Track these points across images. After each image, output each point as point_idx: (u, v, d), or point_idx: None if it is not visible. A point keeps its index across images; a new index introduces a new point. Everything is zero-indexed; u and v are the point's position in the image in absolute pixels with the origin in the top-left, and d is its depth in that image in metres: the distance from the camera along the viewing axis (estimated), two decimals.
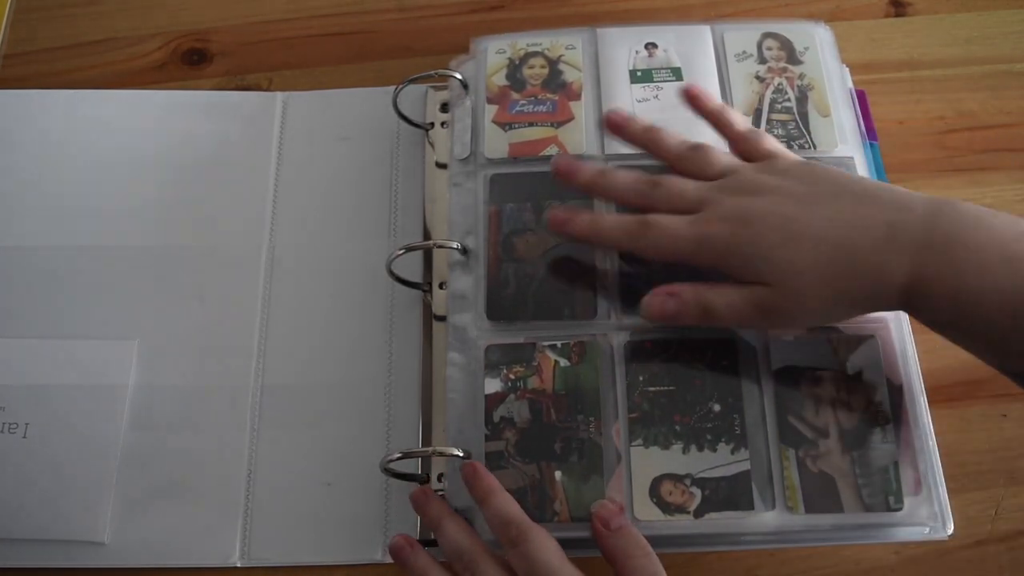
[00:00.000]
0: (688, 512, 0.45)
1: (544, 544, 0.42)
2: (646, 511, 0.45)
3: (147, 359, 0.54)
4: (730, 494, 0.45)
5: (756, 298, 0.44)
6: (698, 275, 0.46)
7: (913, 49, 0.63)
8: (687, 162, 0.49)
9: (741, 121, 0.51)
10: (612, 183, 0.49)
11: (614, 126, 0.52)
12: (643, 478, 0.46)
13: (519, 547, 0.42)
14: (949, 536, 0.46)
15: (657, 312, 0.46)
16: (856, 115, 0.56)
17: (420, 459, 0.51)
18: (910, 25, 0.64)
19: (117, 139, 0.61)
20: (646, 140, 0.51)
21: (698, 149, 0.49)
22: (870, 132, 0.56)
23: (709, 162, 0.48)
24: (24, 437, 0.52)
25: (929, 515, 0.45)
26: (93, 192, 0.59)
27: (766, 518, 0.45)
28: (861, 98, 0.57)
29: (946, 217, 0.42)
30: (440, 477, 0.50)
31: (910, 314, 0.46)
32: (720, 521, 0.45)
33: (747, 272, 0.44)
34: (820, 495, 0.45)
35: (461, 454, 0.47)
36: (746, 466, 0.46)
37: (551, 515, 0.45)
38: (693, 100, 0.52)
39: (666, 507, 0.45)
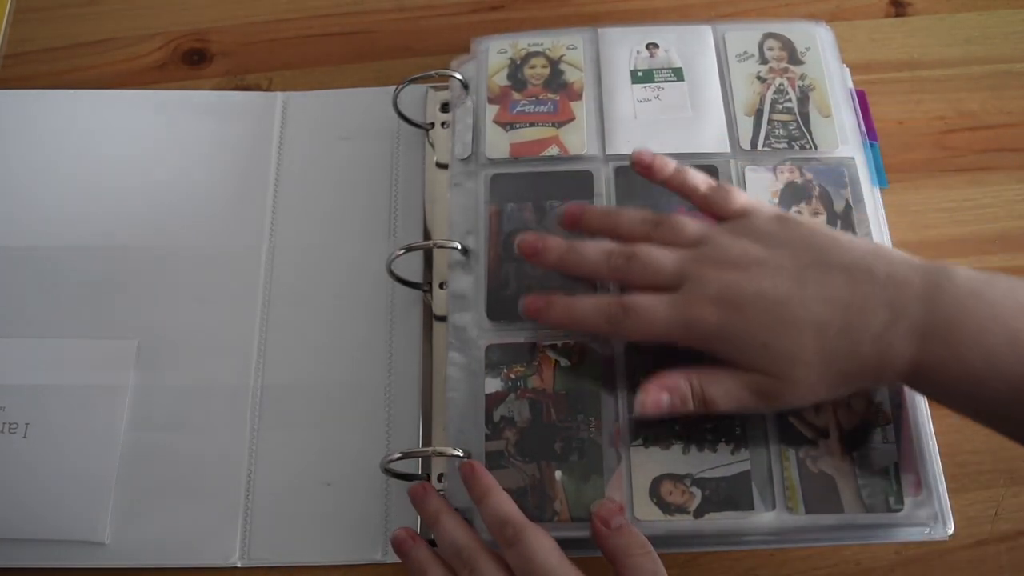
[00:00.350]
0: (688, 512, 0.45)
1: (541, 543, 0.42)
2: (646, 511, 0.45)
3: (147, 359, 0.54)
4: (730, 494, 0.45)
5: (755, 385, 0.43)
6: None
7: (913, 49, 0.63)
8: (656, 235, 0.47)
9: (703, 180, 0.49)
10: (583, 259, 0.47)
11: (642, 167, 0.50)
12: (643, 478, 0.46)
13: (515, 547, 0.42)
14: (949, 536, 0.46)
15: (652, 409, 0.44)
16: (856, 115, 0.56)
17: (420, 459, 0.51)
18: (910, 25, 0.64)
19: (117, 139, 0.61)
20: (604, 223, 0.49)
21: (662, 222, 0.47)
22: (870, 132, 0.56)
23: (679, 230, 0.46)
24: (24, 437, 0.52)
25: (929, 515, 0.45)
26: (93, 192, 0.59)
27: (766, 518, 0.45)
28: (861, 98, 0.57)
29: (945, 295, 0.41)
30: (440, 477, 0.50)
31: (914, 389, 0.45)
32: (720, 521, 0.45)
33: (742, 360, 0.43)
34: (820, 495, 0.45)
35: (461, 454, 0.47)
36: (746, 466, 0.46)
37: (551, 515, 0.45)
38: (646, 171, 0.49)
39: (666, 507, 0.45)
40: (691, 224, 0.47)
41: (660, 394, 0.44)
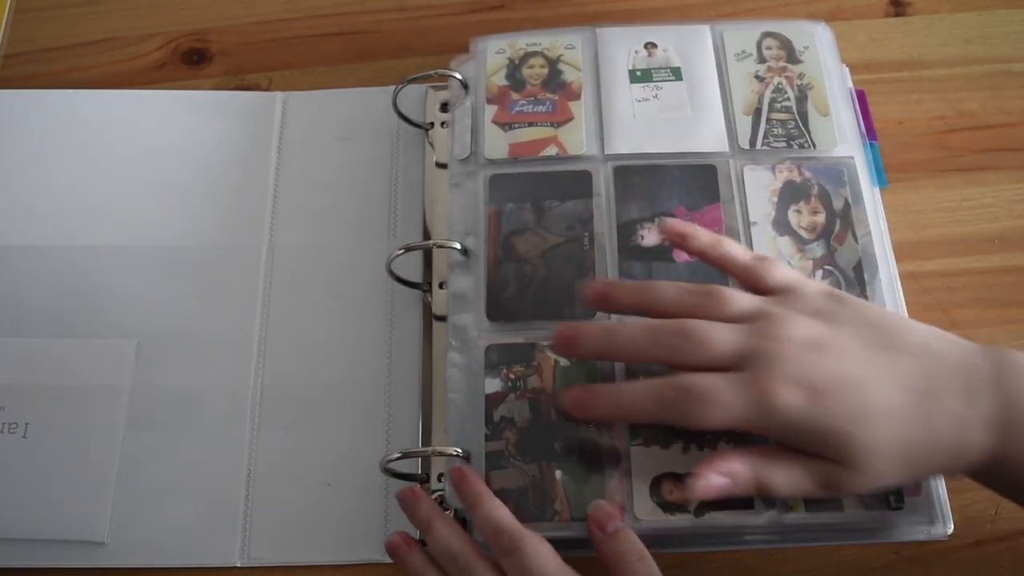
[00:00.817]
0: (689, 511, 0.45)
1: (538, 551, 0.41)
2: (647, 510, 0.45)
3: (147, 359, 0.54)
4: None
5: (824, 475, 0.41)
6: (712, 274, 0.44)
7: (913, 49, 0.63)
8: (702, 309, 0.43)
9: (741, 251, 0.46)
10: (625, 341, 0.43)
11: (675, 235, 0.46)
12: (644, 477, 0.46)
13: (513, 556, 0.41)
14: (949, 536, 0.46)
15: (703, 494, 0.41)
16: (856, 115, 0.56)
17: (420, 459, 0.50)
18: (910, 25, 0.64)
19: (117, 139, 0.61)
20: (638, 299, 0.45)
21: (709, 293, 0.43)
22: (870, 132, 0.56)
23: (730, 303, 0.43)
24: (24, 437, 0.52)
25: (929, 515, 0.45)
26: (93, 192, 0.59)
27: (766, 518, 0.45)
28: (861, 98, 0.57)
29: (1013, 381, 0.40)
30: (440, 477, 0.50)
31: (979, 482, 0.43)
32: (720, 520, 0.45)
33: (817, 448, 0.40)
34: None
35: (461, 454, 0.47)
36: None
37: (551, 515, 0.45)
38: (679, 240, 0.46)
39: (667, 506, 0.45)
40: (742, 297, 0.43)
41: (716, 479, 0.41)
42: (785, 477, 0.41)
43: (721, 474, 0.41)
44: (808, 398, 0.39)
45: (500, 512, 0.43)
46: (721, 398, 0.40)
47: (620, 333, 0.44)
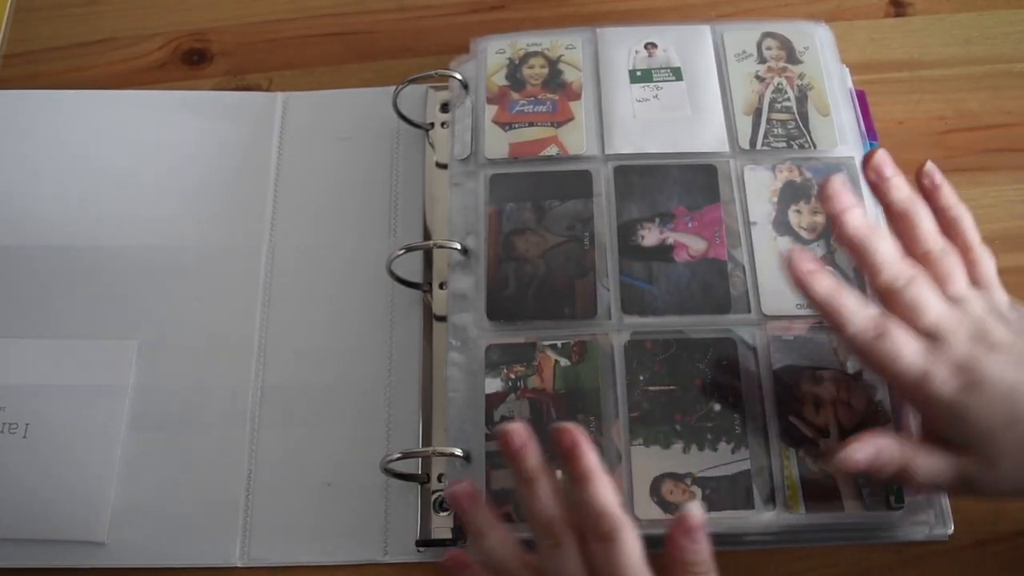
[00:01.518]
0: None
1: (634, 547, 0.39)
2: (647, 510, 0.45)
3: (147, 359, 0.54)
4: (730, 493, 0.45)
5: (967, 471, 0.41)
6: None
7: (913, 49, 0.63)
8: (935, 267, 0.44)
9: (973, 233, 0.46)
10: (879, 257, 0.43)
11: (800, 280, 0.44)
12: (644, 477, 0.46)
13: (609, 543, 0.39)
14: (949, 536, 0.46)
15: (847, 464, 0.42)
16: (856, 115, 0.56)
17: (420, 459, 0.50)
18: (910, 25, 0.64)
19: (117, 139, 0.61)
20: (827, 302, 0.43)
21: (948, 253, 0.44)
22: (870, 132, 0.56)
23: (954, 275, 0.44)
24: (24, 437, 0.52)
25: (929, 515, 0.45)
26: (93, 192, 0.59)
27: (766, 517, 0.45)
28: (861, 98, 0.57)
29: None
30: (440, 477, 0.50)
31: None
32: (721, 520, 0.45)
33: (956, 436, 0.41)
34: (820, 495, 0.45)
35: (461, 454, 0.47)
36: (746, 465, 0.46)
37: None
38: (798, 281, 0.43)
39: (667, 506, 0.45)
40: (962, 275, 0.44)
41: (864, 450, 0.41)
42: (928, 463, 0.41)
43: (869, 447, 0.41)
44: (962, 386, 0.40)
45: (608, 496, 0.41)
46: (901, 350, 0.41)
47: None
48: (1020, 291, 0.55)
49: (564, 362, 0.49)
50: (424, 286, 0.54)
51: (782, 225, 0.52)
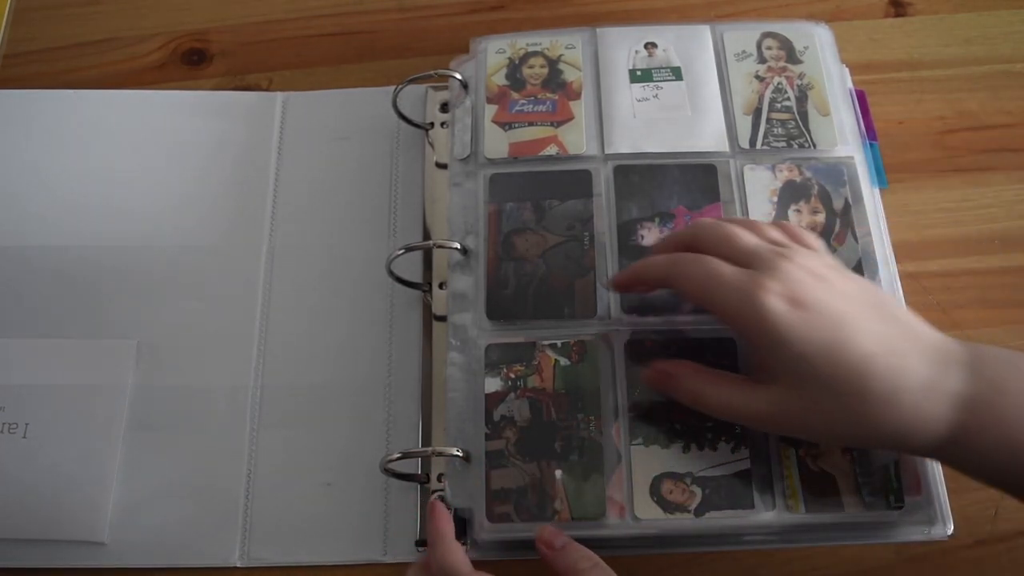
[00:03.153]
0: (689, 511, 0.45)
1: None
2: (647, 510, 0.45)
3: (147, 359, 0.54)
4: (730, 493, 0.45)
5: (777, 401, 0.42)
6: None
7: (913, 49, 0.63)
8: (740, 223, 0.46)
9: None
10: (666, 246, 0.48)
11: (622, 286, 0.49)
12: (644, 477, 0.46)
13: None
14: (949, 536, 0.46)
15: (650, 385, 0.47)
16: (856, 115, 0.56)
17: (420, 459, 0.50)
18: (910, 25, 0.64)
19: (117, 139, 0.61)
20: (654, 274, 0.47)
21: (748, 220, 0.48)
22: (870, 132, 0.56)
23: (762, 228, 0.46)
24: (24, 437, 0.52)
25: (929, 515, 0.45)
26: (92, 192, 0.59)
27: (766, 517, 0.45)
28: (861, 98, 0.57)
29: (987, 362, 0.40)
30: (440, 477, 0.50)
31: (946, 464, 0.43)
32: (721, 520, 0.45)
33: (772, 358, 0.42)
34: (820, 494, 0.45)
35: (460, 454, 0.47)
36: (746, 465, 0.46)
37: (551, 514, 0.45)
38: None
39: (667, 506, 0.45)
40: (775, 232, 0.45)
41: (657, 377, 0.46)
42: (720, 392, 0.44)
43: (666, 374, 0.46)
44: (788, 306, 0.40)
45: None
46: (723, 278, 0.42)
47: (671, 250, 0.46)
48: (1020, 291, 0.55)
49: (564, 362, 0.49)
50: (424, 286, 0.54)
51: None
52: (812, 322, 0.40)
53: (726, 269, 0.42)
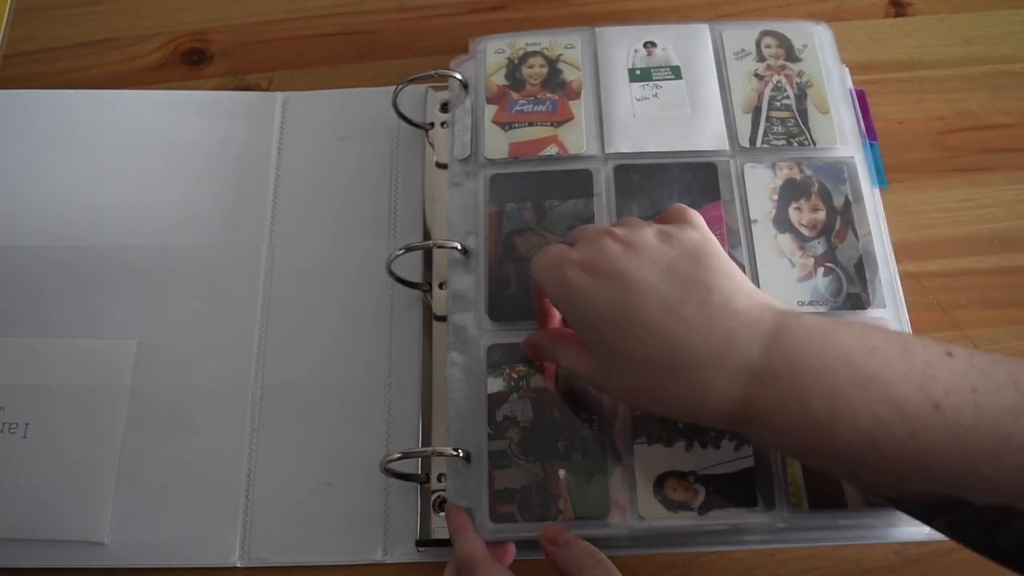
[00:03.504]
0: (692, 509, 0.45)
1: None
2: (650, 508, 0.45)
3: (147, 359, 0.54)
4: (734, 491, 0.45)
5: (587, 368, 0.43)
6: None
7: (913, 49, 0.63)
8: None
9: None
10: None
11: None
12: (647, 475, 0.46)
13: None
14: None
15: (528, 357, 0.49)
16: (856, 115, 0.56)
17: (420, 459, 0.50)
18: (910, 25, 0.64)
19: (117, 139, 0.61)
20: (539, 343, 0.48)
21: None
22: (870, 132, 0.56)
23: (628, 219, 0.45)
24: (24, 437, 0.52)
25: None
26: (92, 192, 0.59)
27: (770, 515, 0.45)
28: (861, 98, 0.57)
29: (791, 335, 0.38)
30: (440, 477, 0.50)
31: (753, 441, 0.43)
32: (725, 518, 0.45)
33: (577, 329, 0.43)
34: (823, 491, 0.45)
35: (460, 454, 0.47)
36: (750, 463, 0.46)
37: (555, 513, 0.45)
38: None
39: (670, 504, 0.45)
40: (645, 224, 0.44)
41: (525, 346, 0.48)
42: (567, 355, 0.44)
43: (529, 342, 0.48)
44: (585, 276, 0.41)
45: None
46: (547, 258, 0.43)
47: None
48: (1020, 291, 0.55)
49: None
50: (424, 286, 0.54)
51: (783, 223, 0.52)
52: (602, 290, 0.40)
53: (553, 251, 0.43)
